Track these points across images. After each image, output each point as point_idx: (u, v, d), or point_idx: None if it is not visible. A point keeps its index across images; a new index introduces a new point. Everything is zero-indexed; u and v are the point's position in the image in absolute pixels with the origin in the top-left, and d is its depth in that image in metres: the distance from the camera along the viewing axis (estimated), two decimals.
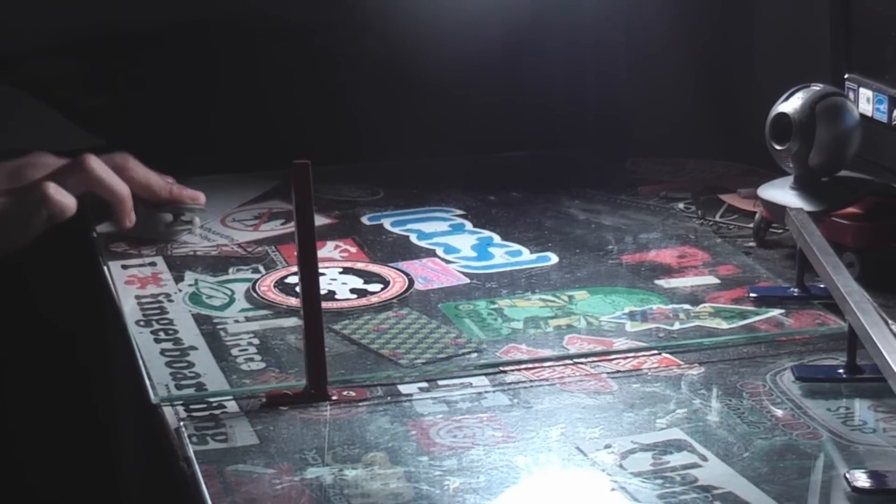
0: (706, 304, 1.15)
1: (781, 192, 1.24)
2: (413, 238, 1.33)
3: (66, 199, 1.20)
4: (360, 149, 1.59)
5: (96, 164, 1.24)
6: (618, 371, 1.03)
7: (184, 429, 0.95)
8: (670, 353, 1.06)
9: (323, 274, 1.16)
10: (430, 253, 1.29)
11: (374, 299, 1.17)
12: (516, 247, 1.30)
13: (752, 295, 1.16)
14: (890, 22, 1.26)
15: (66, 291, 1.51)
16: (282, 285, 1.20)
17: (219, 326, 1.12)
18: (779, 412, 0.95)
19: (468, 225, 1.36)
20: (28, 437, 1.60)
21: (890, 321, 0.96)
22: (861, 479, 0.84)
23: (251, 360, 1.06)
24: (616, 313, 1.13)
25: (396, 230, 1.35)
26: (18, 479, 1.61)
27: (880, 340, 0.92)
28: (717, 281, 1.20)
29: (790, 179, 1.24)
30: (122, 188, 1.26)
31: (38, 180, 1.20)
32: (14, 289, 1.56)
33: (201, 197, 1.34)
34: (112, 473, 1.57)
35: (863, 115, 1.25)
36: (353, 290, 1.19)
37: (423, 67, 1.58)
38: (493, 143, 1.59)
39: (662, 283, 1.20)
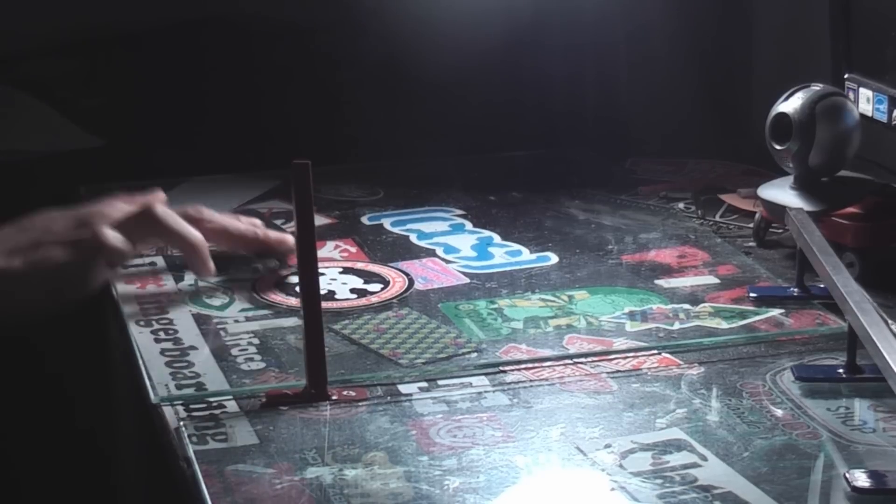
0: (706, 304, 1.15)
1: (781, 192, 1.24)
2: (413, 238, 1.33)
3: (122, 246, 1.11)
4: (359, 149, 1.59)
5: (164, 213, 1.15)
6: (618, 371, 1.03)
7: (184, 429, 0.95)
8: (670, 353, 1.06)
9: (323, 274, 1.16)
10: (430, 253, 1.29)
11: (374, 299, 1.17)
12: (516, 247, 1.30)
13: (752, 295, 1.16)
14: (890, 22, 1.26)
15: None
16: (282, 285, 1.20)
17: (219, 326, 1.12)
18: (779, 412, 0.95)
19: (468, 225, 1.36)
20: (26, 436, 1.60)
21: (890, 321, 0.96)
22: (861, 479, 0.84)
23: (251, 359, 1.06)
24: (616, 313, 1.13)
25: (396, 230, 1.35)
26: (16, 480, 1.61)
27: (880, 340, 0.92)
28: (717, 281, 1.20)
29: (790, 179, 1.24)
30: (194, 237, 1.16)
31: (98, 228, 1.11)
32: None
33: (289, 240, 1.23)
34: (111, 474, 1.57)
35: (863, 115, 1.25)
36: (353, 290, 1.19)
37: (423, 67, 1.58)
38: (493, 143, 1.59)
39: (662, 282, 1.20)
